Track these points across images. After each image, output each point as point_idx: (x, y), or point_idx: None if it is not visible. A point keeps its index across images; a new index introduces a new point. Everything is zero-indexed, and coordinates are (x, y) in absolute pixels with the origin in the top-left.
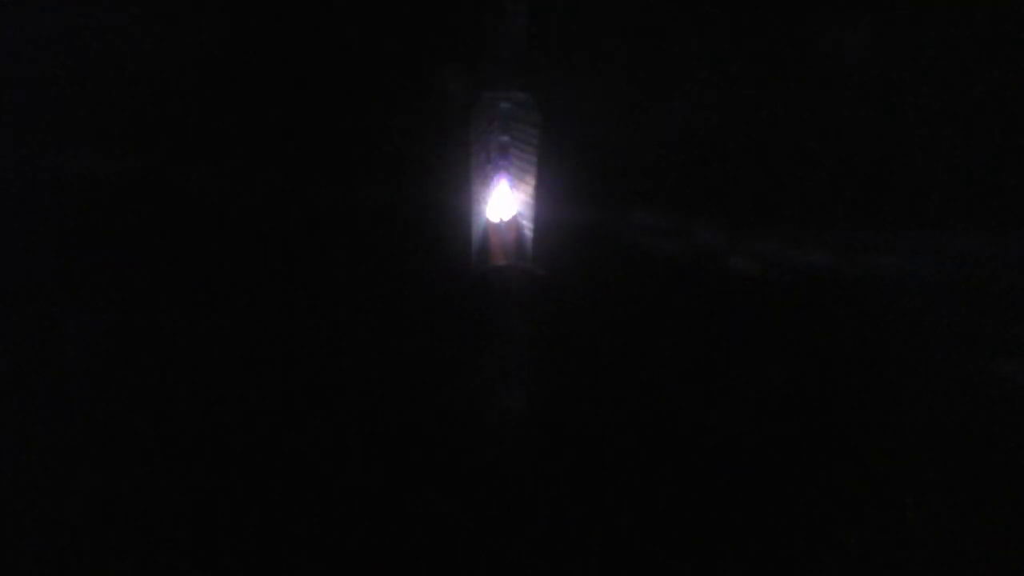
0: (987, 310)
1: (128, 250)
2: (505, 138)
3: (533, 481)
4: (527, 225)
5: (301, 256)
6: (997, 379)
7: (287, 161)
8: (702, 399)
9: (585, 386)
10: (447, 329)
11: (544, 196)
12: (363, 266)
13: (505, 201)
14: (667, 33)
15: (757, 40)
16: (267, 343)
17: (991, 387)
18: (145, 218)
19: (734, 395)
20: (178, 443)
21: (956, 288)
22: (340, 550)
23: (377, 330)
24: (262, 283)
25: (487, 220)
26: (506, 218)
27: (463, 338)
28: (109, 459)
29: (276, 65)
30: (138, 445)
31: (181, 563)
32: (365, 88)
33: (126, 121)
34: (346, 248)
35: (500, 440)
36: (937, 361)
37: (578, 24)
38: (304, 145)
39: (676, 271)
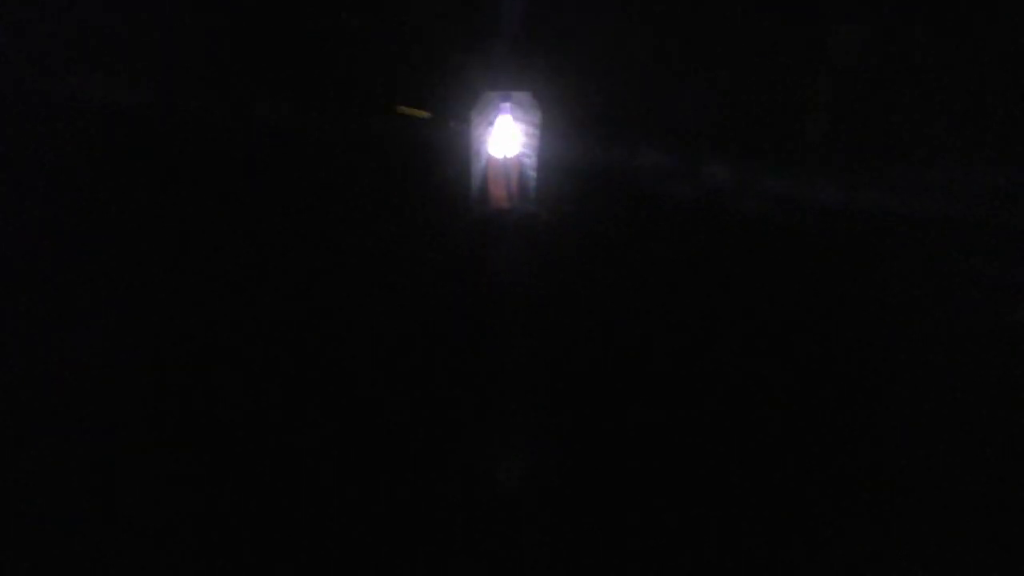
0: (1003, 250)
1: (135, 183)
2: (504, 138)
3: (538, 441)
4: (530, 165)
5: (303, 210)
6: (1013, 320)
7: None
8: (713, 341)
9: (592, 332)
10: (445, 277)
11: (547, 136)
12: (358, 207)
13: (507, 141)
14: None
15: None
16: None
17: (1007, 329)
18: (159, 151)
19: (745, 337)
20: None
21: (971, 226)
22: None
23: (374, 277)
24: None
25: (488, 159)
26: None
27: (462, 284)
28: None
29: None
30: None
31: (181, 563)
32: (364, 86)
33: (142, 50)
34: (341, 187)
35: (503, 389)
36: (951, 299)
37: (578, 22)
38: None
39: (685, 212)
